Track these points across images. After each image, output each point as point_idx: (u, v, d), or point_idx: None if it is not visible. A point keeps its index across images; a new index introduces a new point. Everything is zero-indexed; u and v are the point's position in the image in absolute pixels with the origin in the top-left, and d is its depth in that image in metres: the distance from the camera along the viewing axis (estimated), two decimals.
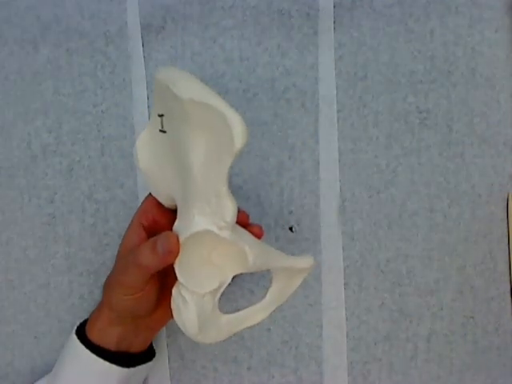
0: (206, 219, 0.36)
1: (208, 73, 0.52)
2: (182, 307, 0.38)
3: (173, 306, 0.39)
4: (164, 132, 0.39)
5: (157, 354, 0.48)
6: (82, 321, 0.46)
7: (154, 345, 0.48)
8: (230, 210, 0.36)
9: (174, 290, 0.39)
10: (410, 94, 0.52)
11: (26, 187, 0.53)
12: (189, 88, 0.35)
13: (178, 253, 0.37)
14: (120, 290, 0.40)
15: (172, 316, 0.39)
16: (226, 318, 0.40)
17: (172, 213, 0.42)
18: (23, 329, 0.53)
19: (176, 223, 0.39)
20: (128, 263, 0.40)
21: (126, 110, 0.53)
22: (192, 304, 0.38)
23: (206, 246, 0.37)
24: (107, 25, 0.53)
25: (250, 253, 0.37)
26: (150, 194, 0.43)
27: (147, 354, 0.47)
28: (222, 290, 0.39)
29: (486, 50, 0.51)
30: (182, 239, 0.37)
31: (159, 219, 0.43)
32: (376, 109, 0.52)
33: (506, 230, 0.52)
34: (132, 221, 0.43)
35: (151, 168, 0.41)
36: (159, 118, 0.39)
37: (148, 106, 0.52)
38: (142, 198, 0.52)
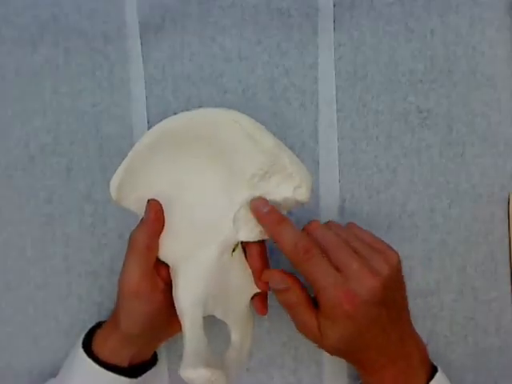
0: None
1: (207, 72, 0.52)
2: None
3: None
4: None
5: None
6: (86, 331, 0.47)
7: None
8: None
9: None
10: (410, 93, 0.51)
11: (24, 187, 0.52)
12: (269, 137, 0.41)
13: None
14: None
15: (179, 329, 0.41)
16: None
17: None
18: (21, 330, 0.52)
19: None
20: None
21: (124, 109, 0.52)
22: None
23: None
24: (105, 24, 0.52)
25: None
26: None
27: (150, 360, 0.48)
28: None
29: (487, 49, 0.51)
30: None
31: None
32: (376, 109, 0.52)
33: (506, 231, 0.51)
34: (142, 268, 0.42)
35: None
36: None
37: (146, 106, 0.52)
38: None
